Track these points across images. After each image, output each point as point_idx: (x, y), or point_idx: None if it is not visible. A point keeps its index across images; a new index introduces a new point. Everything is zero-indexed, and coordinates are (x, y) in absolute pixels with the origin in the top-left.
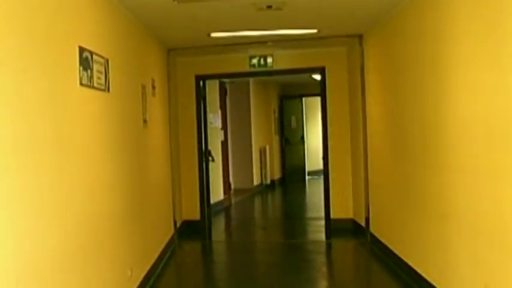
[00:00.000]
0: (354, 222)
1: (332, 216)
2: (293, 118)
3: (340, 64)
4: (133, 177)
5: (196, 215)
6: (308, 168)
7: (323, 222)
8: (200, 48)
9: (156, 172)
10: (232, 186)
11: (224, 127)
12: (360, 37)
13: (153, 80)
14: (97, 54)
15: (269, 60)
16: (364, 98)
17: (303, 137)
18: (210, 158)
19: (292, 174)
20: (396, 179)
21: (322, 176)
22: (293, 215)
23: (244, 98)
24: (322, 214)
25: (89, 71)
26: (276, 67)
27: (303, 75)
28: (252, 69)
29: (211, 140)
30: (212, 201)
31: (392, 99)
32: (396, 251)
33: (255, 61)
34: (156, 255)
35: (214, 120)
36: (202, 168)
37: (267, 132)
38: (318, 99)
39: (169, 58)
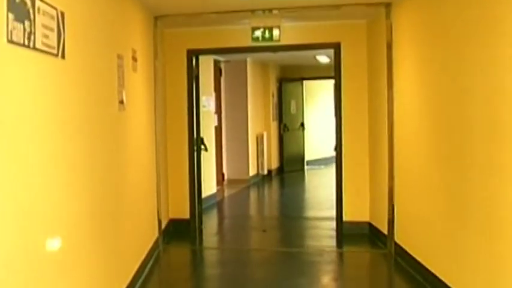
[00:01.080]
0: (371, 226)
1: (344, 218)
2: (293, 103)
3: (358, 40)
4: (103, 174)
5: (185, 213)
6: (307, 157)
7: (331, 224)
8: (193, 17)
9: (136, 164)
10: (226, 177)
11: (218, 111)
12: (387, 6)
13: (134, 51)
14: (44, 1)
15: (275, 33)
16: (390, 82)
17: (303, 124)
18: (203, 147)
19: (291, 164)
20: (438, 180)
21: (322, 167)
22: (295, 212)
23: (241, 79)
24: (328, 213)
25: (26, 24)
26: (283, 42)
27: (305, 56)
28: (255, 44)
29: (204, 125)
30: (204, 194)
31: (435, 84)
32: (432, 268)
33: (258, 34)
34: (135, 267)
35: (208, 103)
36: (193, 159)
37: (265, 117)
38: (320, 83)
39: (157, 28)
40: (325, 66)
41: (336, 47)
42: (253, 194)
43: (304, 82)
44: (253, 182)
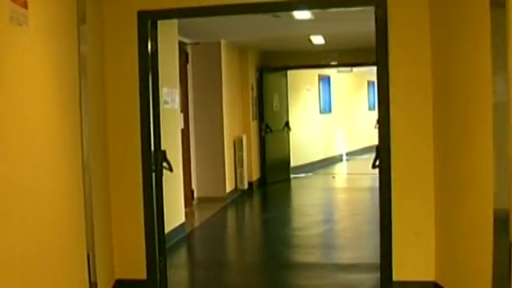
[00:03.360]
0: None
1: (395, 277)
2: (275, 98)
3: None
4: None
5: (139, 271)
6: (293, 163)
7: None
8: None
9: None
10: (196, 195)
11: (185, 109)
12: None
13: None
14: None
15: None
16: (503, 59)
17: (287, 124)
18: (165, 165)
19: (274, 173)
20: None
21: (310, 175)
22: (294, 256)
23: (214, 67)
24: (344, 253)
25: None
26: None
27: (295, 38)
28: None
29: (166, 130)
30: (167, 228)
31: None
32: None
33: None
34: None
35: (171, 98)
36: (151, 184)
37: (243, 116)
38: (306, 73)
39: None
40: (317, 52)
41: (379, 3)
42: (231, 222)
43: (289, 73)
44: (230, 200)
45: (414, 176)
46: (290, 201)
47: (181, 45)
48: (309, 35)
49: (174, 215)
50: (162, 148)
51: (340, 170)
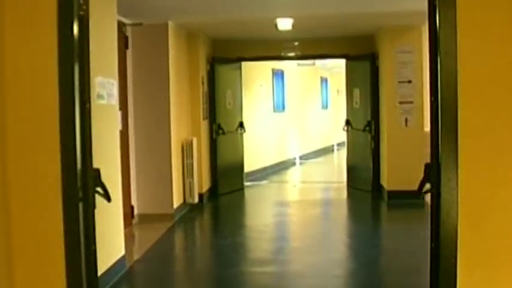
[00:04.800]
0: None
1: None
2: (228, 94)
3: None
4: None
5: None
6: (246, 168)
7: None
8: None
9: None
10: (137, 211)
11: (123, 106)
12: None
13: None
14: None
15: None
16: None
17: (242, 124)
18: (99, 190)
19: (227, 182)
20: None
21: (264, 182)
22: None
23: (159, 54)
24: None
25: None
26: None
27: (255, 21)
28: None
29: (99, 134)
30: (101, 269)
31: None
32: None
33: None
34: None
35: (107, 91)
36: (76, 220)
37: (193, 115)
38: (260, 66)
39: None
40: (278, 41)
41: None
42: (180, 252)
43: (244, 64)
44: (178, 217)
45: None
46: (245, 219)
47: (121, 26)
48: (276, 17)
49: (111, 248)
50: (95, 165)
51: (295, 176)
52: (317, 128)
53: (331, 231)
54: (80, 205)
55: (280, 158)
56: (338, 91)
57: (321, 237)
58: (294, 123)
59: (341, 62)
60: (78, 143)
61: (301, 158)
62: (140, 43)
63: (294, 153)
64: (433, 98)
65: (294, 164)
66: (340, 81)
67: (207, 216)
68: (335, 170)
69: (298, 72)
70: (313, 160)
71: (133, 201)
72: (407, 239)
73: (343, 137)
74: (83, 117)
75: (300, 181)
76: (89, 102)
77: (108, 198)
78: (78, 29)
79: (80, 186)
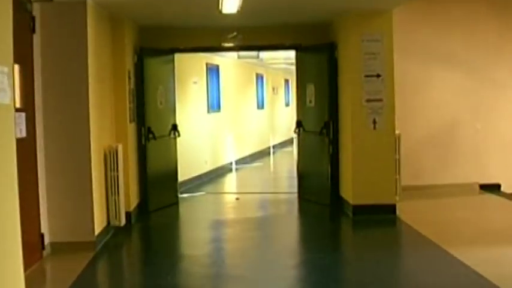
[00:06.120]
0: None
1: None
2: (160, 91)
3: None
4: None
5: None
6: (180, 177)
7: None
8: None
9: None
10: (49, 239)
11: (29, 106)
12: None
13: None
14: None
15: None
16: None
17: (175, 126)
18: None
19: (158, 195)
20: None
21: (202, 193)
22: None
23: (75, 41)
24: None
25: None
26: None
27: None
28: None
29: None
30: None
31: None
32: None
33: None
34: None
35: None
36: None
37: (118, 117)
38: (193, 60)
39: None
40: (218, 28)
41: None
42: None
43: (176, 56)
44: (101, 246)
45: None
46: (183, 246)
47: (23, 3)
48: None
49: None
50: None
51: (233, 185)
52: (253, 129)
53: (284, 261)
54: None
55: (216, 164)
56: (274, 89)
57: (275, 270)
58: (230, 124)
59: (279, 55)
60: None
61: (237, 162)
62: (51, 26)
63: (230, 157)
64: None
65: (230, 170)
66: (277, 78)
67: (136, 242)
68: (276, 176)
69: (234, 68)
70: (250, 165)
71: (44, 228)
72: (377, 269)
73: (279, 138)
74: None
75: (241, 191)
76: None
77: None
78: None
79: None
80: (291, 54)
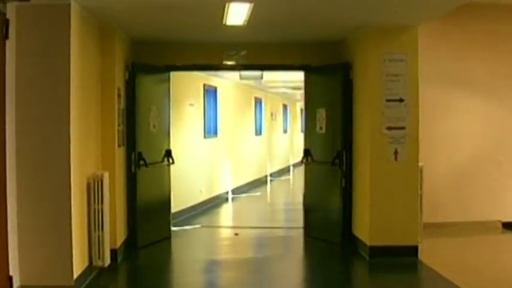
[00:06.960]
0: None
1: None
2: (153, 112)
3: None
4: None
5: None
6: (174, 207)
7: None
8: None
9: None
10: (19, 283)
11: None
12: None
13: None
14: None
15: None
16: None
17: (169, 153)
18: None
19: (149, 229)
20: None
21: (197, 226)
22: None
23: (56, 50)
24: None
25: None
26: None
27: (195, 8)
28: None
29: None
30: None
31: None
32: None
33: None
34: None
35: None
36: None
37: (105, 140)
38: (190, 80)
39: None
40: (220, 44)
41: None
42: None
43: (172, 75)
44: None
45: None
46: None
47: None
48: (229, 1)
49: None
50: None
51: (230, 217)
52: (250, 156)
53: None
54: None
55: (211, 194)
56: (272, 115)
57: None
58: (227, 151)
59: (278, 77)
60: None
61: (233, 192)
62: (28, 31)
63: (226, 186)
64: None
65: (226, 200)
66: (276, 104)
67: (122, 286)
68: (276, 207)
69: (233, 91)
70: (247, 194)
71: (13, 269)
72: None
73: (276, 166)
74: None
75: (239, 224)
76: None
77: None
78: None
79: None
80: (292, 76)
